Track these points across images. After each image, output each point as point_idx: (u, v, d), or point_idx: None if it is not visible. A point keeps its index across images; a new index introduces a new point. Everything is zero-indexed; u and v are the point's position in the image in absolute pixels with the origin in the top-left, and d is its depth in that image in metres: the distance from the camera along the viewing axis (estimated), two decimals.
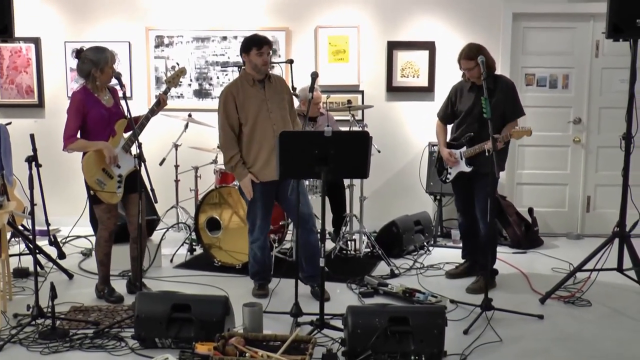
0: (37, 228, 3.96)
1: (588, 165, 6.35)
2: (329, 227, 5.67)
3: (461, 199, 4.78)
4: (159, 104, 4.27)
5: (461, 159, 4.57)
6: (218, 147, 5.58)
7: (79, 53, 4.13)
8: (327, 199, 5.25)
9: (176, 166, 6.09)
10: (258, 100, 4.25)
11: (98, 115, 4.11)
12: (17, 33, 4.84)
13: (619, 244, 4.41)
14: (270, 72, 4.39)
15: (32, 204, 3.76)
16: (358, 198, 5.50)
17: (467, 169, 4.55)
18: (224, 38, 6.38)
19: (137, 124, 4.15)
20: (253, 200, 4.32)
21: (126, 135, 4.25)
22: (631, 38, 4.29)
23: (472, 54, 4.31)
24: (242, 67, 4.40)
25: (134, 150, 4.07)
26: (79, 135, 4.11)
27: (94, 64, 4.07)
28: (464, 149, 4.55)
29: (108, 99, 4.22)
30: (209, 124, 5.84)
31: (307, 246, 4.34)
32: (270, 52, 4.28)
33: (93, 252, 4.69)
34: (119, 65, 6.07)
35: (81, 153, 4.15)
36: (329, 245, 5.26)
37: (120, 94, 4.10)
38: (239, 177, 4.31)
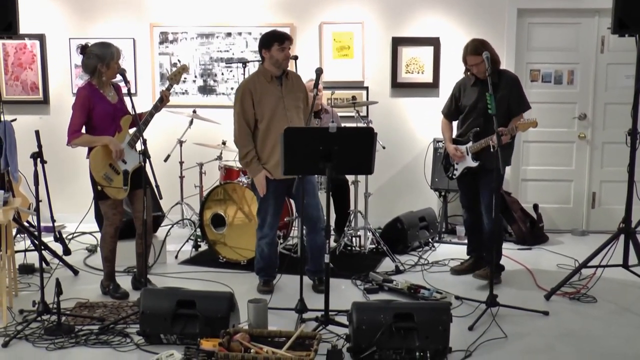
0: (42, 224, 3.97)
1: (593, 161, 6.32)
2: (332, 226, 5.66)
3: (466, 195, 4.77)
4: (162, 101, 4.27)
5: (467, 154, 4.56)
6: (222, 143, 5.61)
7: (84, 49, 4.12)
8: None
9: (181, 162, 6.09)
10: (275, 97, 4.23)
11: (103, 111, 4.11)
12: (22, 29, 4.83)
13: (625, 240, 4.40)
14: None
15: (38, 200, 3.76)
16: (363, 194, 5.50)
17: (474, 164, 4.54)
18: (229, 34, 6.38)
19: (141, 121, 4.15)
20: (264, 197, 4.30)
21: (131, 131, 4.25)
22: (637, 33, 4.27)
23: (479, 50, 4.28)
24: (248, 63, 4.38)
25: (138, 146, 4.08)
26: (84, 131, 4.11)
27: (100, 59, 4.07)
28: (470, 144, 4.54)
29: (113, 95, 4.22)
30: (214, 120, 5.85)
31: (313, 246, 4.36)
32: (290, 47, 4.26)
33: (98, 249, 4.70)
34: (124, 62, 6.06)
35: (86, 149, 4.15)
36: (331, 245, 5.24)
37: (125, 90, 4.10)
38: (253, 173, 4.29)
